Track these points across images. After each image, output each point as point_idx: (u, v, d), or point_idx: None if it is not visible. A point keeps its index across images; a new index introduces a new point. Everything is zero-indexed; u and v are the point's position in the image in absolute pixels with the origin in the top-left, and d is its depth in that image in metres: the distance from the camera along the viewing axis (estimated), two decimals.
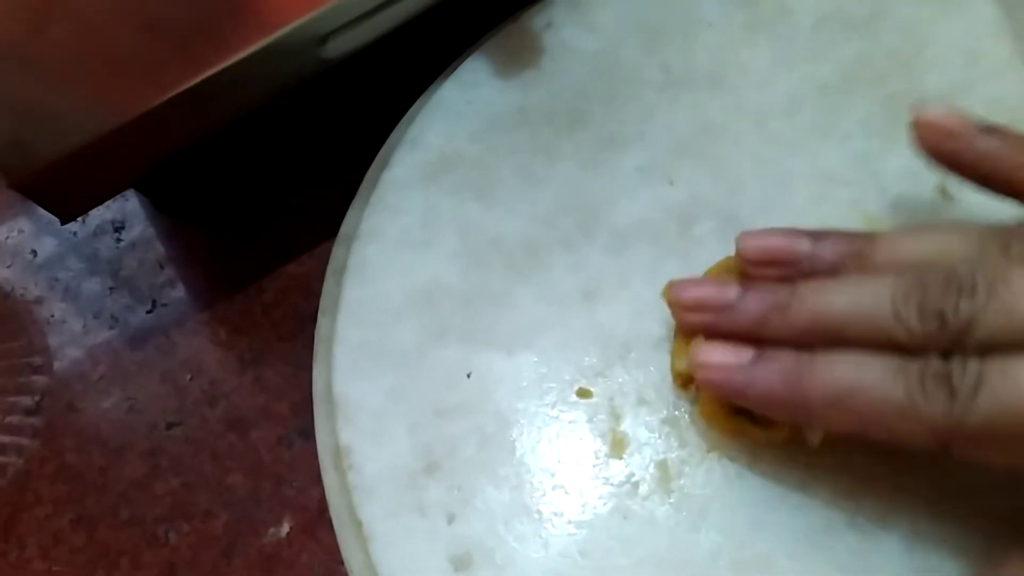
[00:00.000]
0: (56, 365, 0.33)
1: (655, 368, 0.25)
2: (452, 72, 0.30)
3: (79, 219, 0.35)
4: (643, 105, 0.28)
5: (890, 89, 0.27)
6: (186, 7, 0.25)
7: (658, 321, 0.25)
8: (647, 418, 0.24)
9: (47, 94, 0.25)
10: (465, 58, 0.30)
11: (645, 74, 0.29)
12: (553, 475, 0.24)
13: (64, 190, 0.27)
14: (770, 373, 0.21)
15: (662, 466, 0.23)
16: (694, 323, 0.23)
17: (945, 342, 0.18)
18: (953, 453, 0.18)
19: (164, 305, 0.34)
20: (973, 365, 0.18)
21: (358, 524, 0.24)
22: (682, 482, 0.23)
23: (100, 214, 0.36)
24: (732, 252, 0.25)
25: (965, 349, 0.18)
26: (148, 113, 0.26)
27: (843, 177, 0.26)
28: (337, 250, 0.28)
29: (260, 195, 0.35)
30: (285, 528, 0.30)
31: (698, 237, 0.26)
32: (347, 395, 0.25)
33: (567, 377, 0.25)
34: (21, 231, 0.36)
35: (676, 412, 0.24)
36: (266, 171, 0.35)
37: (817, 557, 0.22)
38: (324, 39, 0.27)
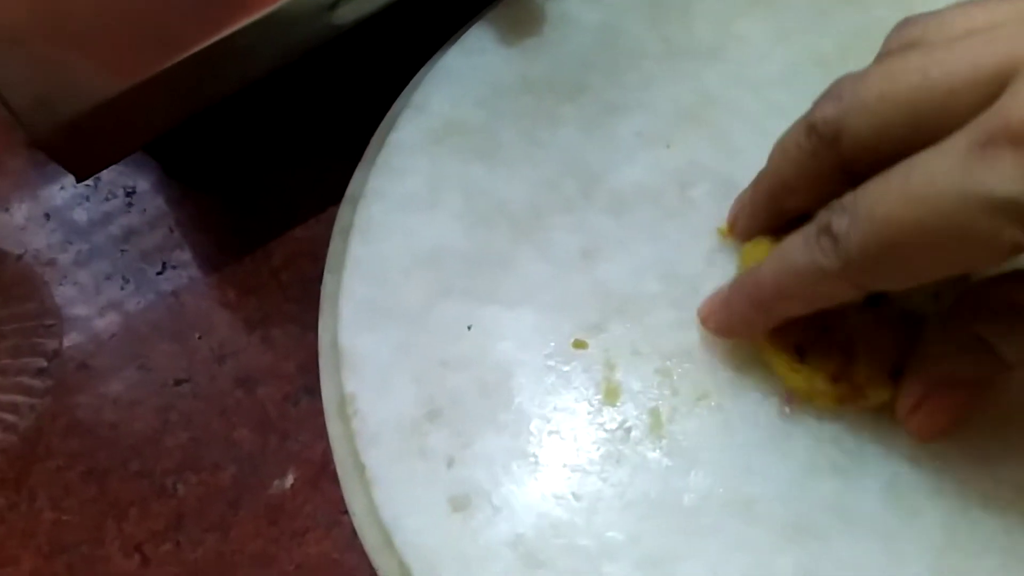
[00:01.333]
0: (68, 325, 0.34)
1: (649, 321, 0.25)
2: (457, 40, 0.30)
3: (91, 183, 0.36)
4: (643, 74, 0.29)
5: None
6: None
7: (654, 278, 0.26)
8: (640, 368, 0.25)
9: (67, 53, 0.26)
10: (470, 26, 0.31)
11: (645, 45, 0.29)
12: (549, 421, 0.25)
13: (81, 148, 0.27)
14: (741, 298, 0.23)
15: (654, 413, 0.24)
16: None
17: (829, 161, 0.20)
18: (871, 290, 0.20)
19: (174, 267, 0.35)
20: (845, 200, 0.19)
21: (361, 469, 0.25)
22: (673, 428, 0.24)
23: (112, 179, 0.37)
24: (723, 209, 0.26)
25: (845, 163, 0.20)
26: (162, 73, 0.27)
27: None
28: (343, 210, 0.29)
29: (268, 162, 0.35)
30: (290, 480, 0.30)
31: (695, 199, 0.27)
32: (352, 347, 0.26)
33: (565, 330, 0.26)
34: (34, 195, 0.37)
35: (668, 362, 0.25)
36: (274, 138, 0.36)
37: (803, 499, 0.23)
38: (334, 5, 0.28)
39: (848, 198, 0.19)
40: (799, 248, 0.20)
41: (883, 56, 0.21)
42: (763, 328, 0.23)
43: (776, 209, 0.24)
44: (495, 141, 0.29)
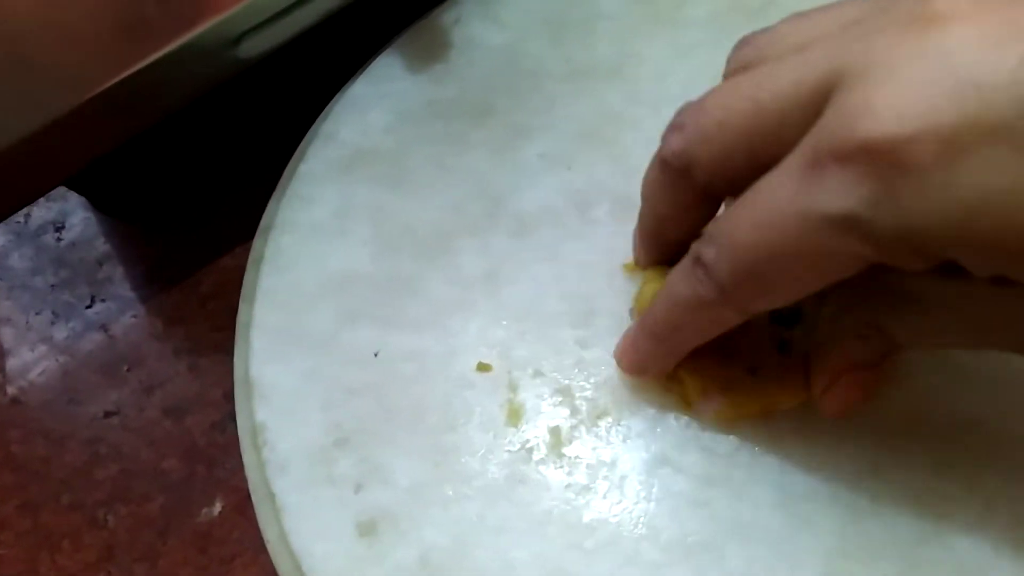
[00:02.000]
0: (1, 361, 0.34)
1: (550, 342, 0.26)
2: (366, 68, 0.31)
3: (21, 219, 0.37)
4: (546, 96, 0.30)
5: None
6: (100, 11, 0.27)
7: (555, 298, 0.27)
8: (542, 388, 0.25)
9: None
10: (379, 55, 0.31)
11: (549, 66, 0.30)
12: (455, 445, 0.25)
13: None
14: (644, 336, 0.23)
15: (554, 432, 0.25)
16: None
17: (689, 190, 0.21)
18: (752, 310, 0.20)
19: (103, 300, 0.35)
20: (710, 229, 0.20)
21: (272, 497, 0.25)
22: (573, 446, 0.24)
23: (41, 214, 0.37)
24: (628, 233, 0.26)
25: (705, 190, 0.21)
26: (71, 113, 0.27)
27: None
28: (257, 241, 0.29)
29: (195, 192, 0.36)
30: (217, 508, 0.31)
31: (596, 219, 0.28)
32: (262, 377, 0.27)
33: (469, 353, 0.26)
34: None
35: (568, 382, 0.25)
36: (201, 168, 0.36)
37: (697, 512, 0.23)
38: (238, 40, 0.28)
39: (712, 226, 0.20)
40: (680, 280, 0.21)
41: (723, 79, 0.21)
42: (671, 363, 0.24)
43: (662, 241, 0.24)
44: (403, 167, 0.29)
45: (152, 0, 0.28)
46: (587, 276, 0.27)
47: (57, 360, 0.34)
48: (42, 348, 0.34)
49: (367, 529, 0.24)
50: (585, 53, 0.30)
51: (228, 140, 0.37)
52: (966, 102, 0.15)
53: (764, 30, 0.21)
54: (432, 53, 0.31)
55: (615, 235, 0.27)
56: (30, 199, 0.30)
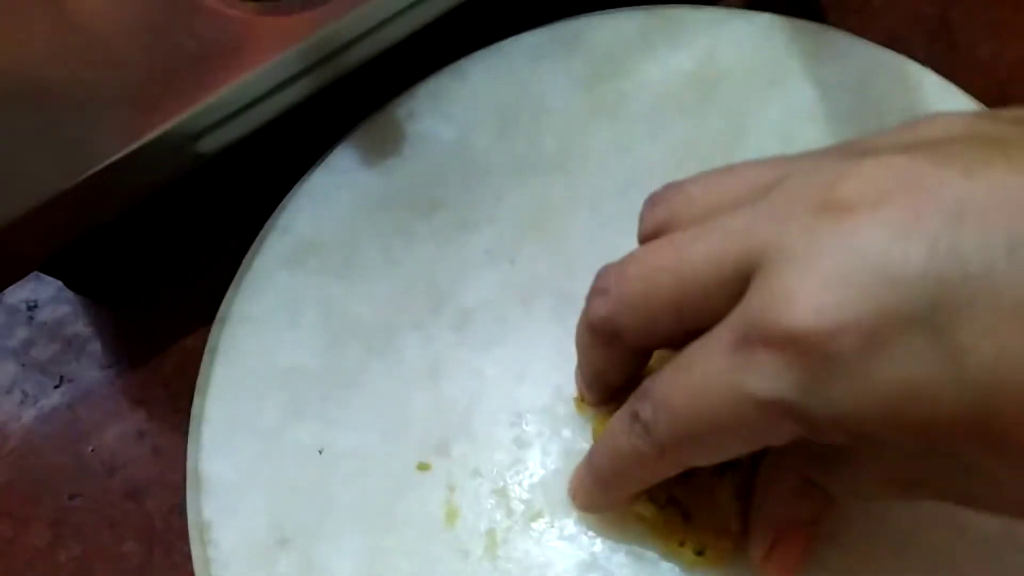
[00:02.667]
0: None
1: (488, 441, 0.27)
2: (323, 160, 0.32)
3: None
4: (493, 189, 0.30)
5: None
6: (59, 113, 0.28)
7: (495, 397, 0.27)
8: (479, 489, 0.26)
9: None
10: (336, 146, 0.32)
11: (496, 160, 0.31)
12: (395, 545, 0.26)
13: None
14: (591, 479, 0.24)
15: (490, 534, 0.25)
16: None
17: (620, 350, 0.22)
18: (693, 466, 0.21)
19: (70, 380, 0.36)
20: (646, 387, 0.20)
21: None
22: (507, 548, 0.25)
23: (15, 293, 0.38)
24: (570, 329, 0.27)
25: (636, 349, 0.21)
26: (29, 214, 0.28)
27: None
28: (213, 331, 0.30)
29: (161, 272, 0.37)
30: None
31: (537, 315, 0.28)
32: (211, 472, 0.27)
33: (410, 452, 0.27)
34: None
35: (504, 482, 0.26)
36: (167, 249, 0.37)
37: None
38: (197, 137, 0.29)
39: (648, 384, 0.20)
40: (621, 433, 0.21)
41: (639, 238, 0.22)
42: (621, 503, 0.24)
43: (603, 386, 0.24)
44: (352, 259, 0.30)
45: (114, 104, 0.29)
46: (526, 374, 0.27)
47: (25, 440, 0.35)
48: (11, 427, 0.35)
49: None
50: (530, 147, 0.31)
51: (197, 223, 0.37)
52: (882, 296, 0.16)
53: (676, 188, 0.22)
54: (385, 146, 0.31)
55: (559, 332, 0.27)
56: (10, 282, 0.31)
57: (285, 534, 0.26)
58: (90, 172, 0.29)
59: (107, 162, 0.29)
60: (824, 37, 0.32)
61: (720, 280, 0.18)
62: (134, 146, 0.29)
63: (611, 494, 0.24)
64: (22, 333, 0.37)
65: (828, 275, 0.16)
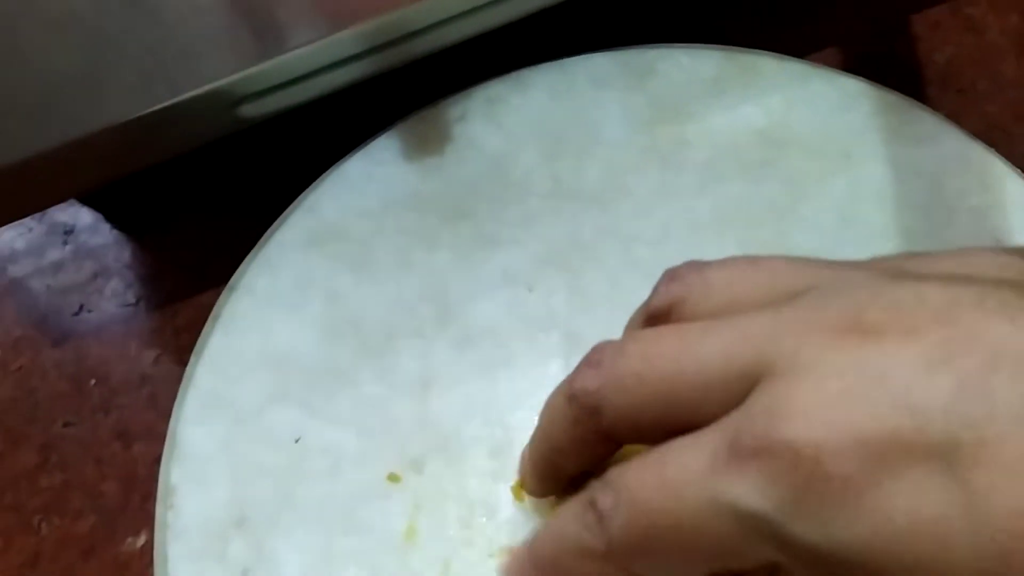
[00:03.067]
0: None
1: (464, 466, 0.26)
2: (363, 147, 0.31)
3: (36, 220, 0.38)
4: (526, 210, 0.29)
5: (760, 236, 0.28)
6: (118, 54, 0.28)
7: (480, 423, 0.26)
8: (444, 513, 0.25)
9: None
10: (379, 135, 0.31)
11: (535, 181, 0.30)
12: (348, 551, 0.25)
13: None
14: (531, 565, 0.22)
15: (446, 563, 0.25)
16: None
17: (592, 428, 0.20)
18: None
19: (89, 311, 0.36)
20: (611, 476, 0.19)
21: (164, 560, 0.26)
22: None
23: (55, 217, 0.38)
24: (570, 367, 0.26)
25: (608, 432, 0.20)
26: (61, 148, 0.28)
27: None
28: (221, 298, 0.30)
29: (194, 228, 0.37)
30: (141, 540, 0.32)
31: (541, 348, 0.27)
32: (185, 437, 0.27)
33: (383, 460, 0.26)
34: None
35: (471, 512, 0.25)
36: (204, 206, 0.37)
37: None
38: (238, 103, 0.29)
39: (614, 473, 0.19)
40: (571, 521, 0.20)
41: (646, 313, 0.21)
42: None
43: (552, 470, 0.23)
44: (369, 254, 0.29)
45: (168, 54, 0.29)
46: (517, 406, 0.26)
47: (34, 361, 0.36)
48: (23, 346, 0.36)
49: None
50: (573, 174, 0.30)
51: (236, 185, 0.37)
52: (900, 423, 0.15)
53: (696, 270, 0.20)
54: (428, 145, 0.31)
55: (558, 370, 0.27)
56: (26, 213, 0.31)
57: (244, 514, 0.26)
58: (134, 116, 0.29)
59: (150, 110, 0.29)
60: (911, 115, 0.30)
61: (723, 380, 0.17)
62: (179, 99, 0.29)
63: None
64: (54, 255, 0.38)
65: (842, 392, 0.15)
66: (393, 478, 0.26)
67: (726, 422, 0.17)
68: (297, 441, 0.27)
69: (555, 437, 0.22)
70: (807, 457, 0.15)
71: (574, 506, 0.20)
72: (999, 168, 0.29)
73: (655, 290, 0.21)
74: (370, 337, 0.28)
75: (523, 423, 0.26)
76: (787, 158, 0.29)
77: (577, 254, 0.28)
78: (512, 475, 0.26)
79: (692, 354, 0.18)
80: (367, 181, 0.31)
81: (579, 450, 0.21)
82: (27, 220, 0.38)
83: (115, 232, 0.38)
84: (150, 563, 0.31)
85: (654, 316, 0.21)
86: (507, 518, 0.25)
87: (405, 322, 0.28)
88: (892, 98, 0.30)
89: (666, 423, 0.18)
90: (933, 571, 0.15)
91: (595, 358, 0.20)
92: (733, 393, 0.17)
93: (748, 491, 0.16)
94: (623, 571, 0.19)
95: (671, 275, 0.21)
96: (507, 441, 0.26)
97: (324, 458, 0.26)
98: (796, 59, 0.31)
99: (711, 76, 0.31)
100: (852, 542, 0.15)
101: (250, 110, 0.30)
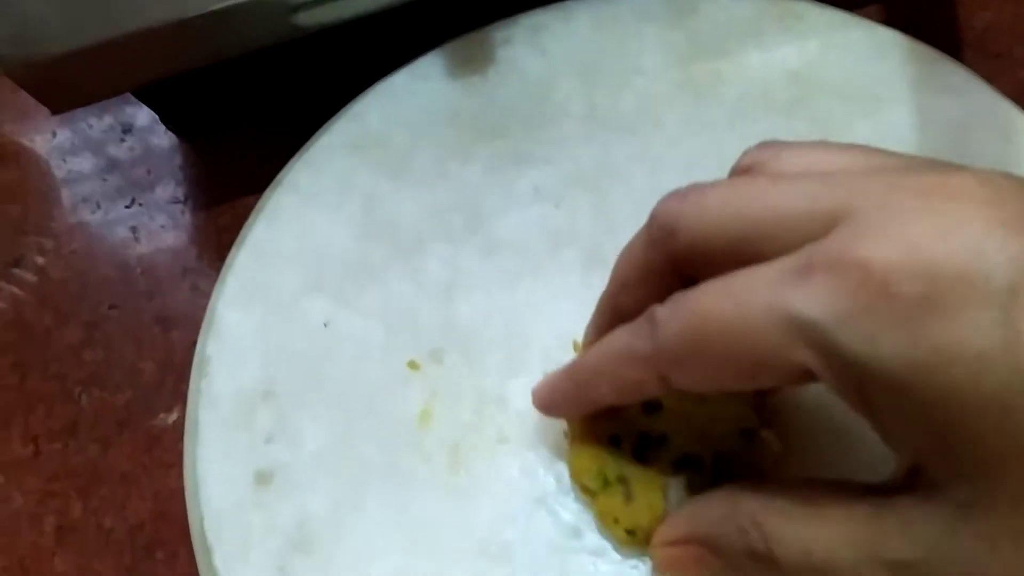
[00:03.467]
0: (40, 234, 0.38)
1: (481, 363, 0.27)
2: (411, 63, 0.33)
3: (97, 112, 0.40)
4: (560, 132, 0.31)
5: None
6: None
7: (499, 326, 0.28)
8: (459, 402, 0.27)
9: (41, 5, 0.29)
10: (427, 54, 0.33)
11: (572, 105, 0.31)
12: (365, 429, 0.27)
13: (53, 86, 0.31)
14: (564, 375, 0.24)
15: (455, 447, 0.26)
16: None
17: (663, 255, 0.21)
18: (671, 384, 0.20)
19: (140, 205, 0.38)
20: (676, 294, 0.20)
21: (196, 423, 0.28)
22: (468, 464, 0.26)
23: (114, 115, 0.40)
24: (591, 284, 0.27)
25: (677, 262, 0.21)
26: (121, 39, 0.30)
27: None
28: (266, 193, 0.32)
29: (247, 130, 0.39)
30: (173, 417, 0.34)
31: (564, 262, 0.29)
32: (223, 315, 0.29)
33: (405, 349, 0.28)
34: (48, 116, 0.41)
35: (482, 404, 0.27)
36: (257, 110, 0.39)
37: (557, 560, 0.24)
38: (296, 9, 0.31)
39: (678, 293, 0.20)
40: (622, 333, 0.21)
41: (733, 171, 0.22)
42: (578, 409, 0.24)
43: (615, 308, 0.24)
44: (408, 162, 0.31)
45: None
46: (537, 314, 0.28)
47: (87, 247, 0.38)
48: (77, 232, 0.38)
49: (263, 479, 0.26)
50: (609, 101, 0.31)
51: (289, 92, 0.39)
52: (970, 264, 0.16)
53: (781, 144, 0.22)
54: (471, 65, 0.32)
55: (578, 283, 0.28)
56: (82, 103, 0.33)
57: (272, 389, 0.28)
58: (195, 14, 0.30)
59: (211, 8, 0.30)
60: (942, 67, 0.31)
61: (808, 216, 0.18)
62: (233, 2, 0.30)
63: (578, 396, 0.24)
64: (111, 152, 0.40)
65: (922, 230, 0.16)
66: (413, 365, 0.28)
67: (803, 250, 0.18)
68: (326, 326, 0.28)
69: (625, 269, 0.23)
70: (877, 275, 0.16)
71: (628, 324, 0.21)
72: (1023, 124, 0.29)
73: (744, 153, 0.22)
74: (402, 239, 0.29)
75: (540, 329, 0.28)
76: (817, 99, 0.30)
77: (605, 177, 0.30)
78: (525, 373, 0.27)
79: (781, 192, 0.19)
80: (411, 95, 0.32)
81: (645, 280, 0.22)
82: (89, 117, 0.41)
83: (170, 134, 0.40)
84: (180, 438, 0.33)
85: (737, 173, 0.22)
86: (518, 411, 0.26)
87: (436, 228, 0.30)
88: (925, 50, 0.31)
89: (740, 254, 0.19)
90: (960, 395, 0.16)
91: (682, 191, 0.21)
92: (813, 230, 0.18)
93: (809, 301, 0.17)
94: (659, 379, 0.20)
95: (764, 145, 0.22)
96: (523, 345, 0.27)
97: (350, 344, 0.28)
98: (836, 8, 0.32)
99: (752, 17, 0.31)
100: (896, 360, 0.16)
101: (305, 19, 0.31)
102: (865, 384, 0.17)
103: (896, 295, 0.16)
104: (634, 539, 0.23)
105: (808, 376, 0.18)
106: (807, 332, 0.17)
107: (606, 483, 0.24)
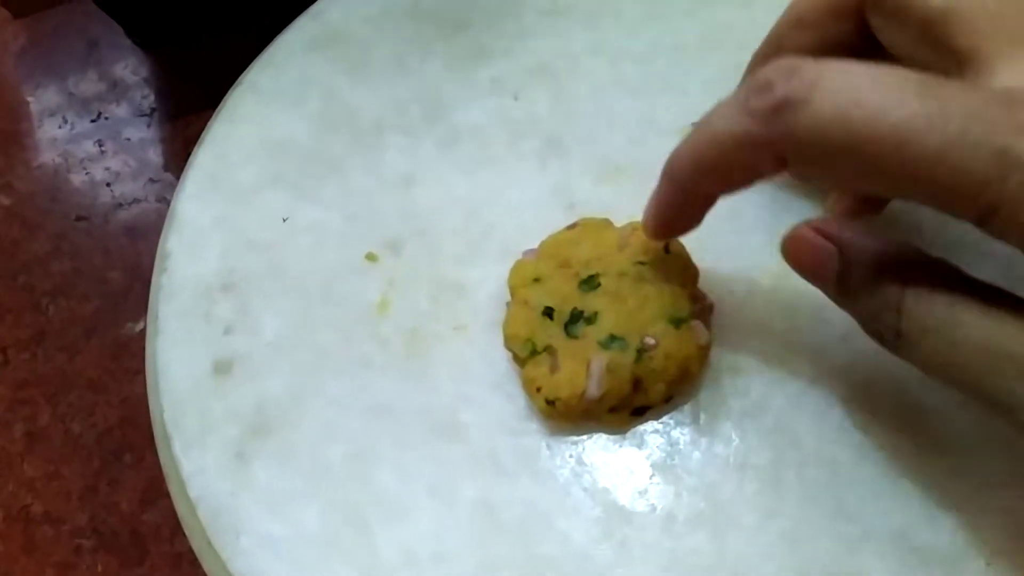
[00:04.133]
0: (5, 149, 0.38)
1: (439, 252, 0.27)
2: None
3: (60, 29, 0.40)
4: (521, 25, 0.30)
5: (742, 59, 0.28)
6: None
7: (459, 214, 0.28)
8: (417, 290, 0.27)
9: None
10: None
11: None
12: (324, 317, 0.27)
13: None
14: (664, 184, 0.22)
15: (413, 332, 0.26)
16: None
17: (771, 133, 0.18)
18: (790, 166, 0.18)
19: (106, 119, 0.38)
20: (802, 66, 0.17)
21: (156, 318, 0.28)
22: (425, 349, 0.26)
23: (80, 32, 0.40)
24: (548, 175, 0.27)
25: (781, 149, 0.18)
26: None
27: (667, 128, 0.28)
28: (228, 94, 0.31)
29: (212, 40, 0.38)
30: (140, 325, 0.34)
31: (522, 152, 0.28)
32: (183, 211, 0.29)
33: (364, 240, 0.28)
34: (20, 26, 0.40)
35: (442, 291, 0.27)
36: (223, 20, 0.39)
37: (509, 435, 0.24)
38: None
39: (808, 65, 0.17)
40: (725, 116, 0.18)
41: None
42: (693, 221, 0.22)
43: (689, 197, 0.22)
44: (368, 58, 0.30)
45: None
46: (493, 201, 0.28)
47: (54, 161, 0.38)
48: (45, 147, 0.38)
49: (222, 368, 0.26)
50: None
51: (256, 4, 0.38)
52: None
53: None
54: None
55: (538, 173, 0.28)
56: (46, 6, 0.33)
57: (231, 280, 0.27)
58: None
59: None
60: None
61: None
62: None
63: (686, 201, 0.21)
64: (77, 67, 0.40)
65: None
66: (371, 257, 0.27)
67: (989, 83, 0.18)
68: (285, 220, 0.28)
69: (722, 139, 0.19)
70: None
71: (727, 105, 0.18)
72: None
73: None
74: (361, 132, 0.29)
75: (498, 217, 0.28)
76: None
77: (565, 69, 0.29)
78: (481, 262, 0.27)
79: None
80: None
81: (742, 159, 0.19)
82: (51, 30, 0.40)
83: (135, 50, 0.40)
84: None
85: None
86: (473, 298, 0.26)
87: (395, 121, 0.29)
88: None
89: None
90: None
91: (800, 69, 0.17)
92: None
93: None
94: (775, 161, 0.18)
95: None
96: (482, 232, 0.27)
97: (309, 235, 0.28)
98: None
99: None
100: None
101: None
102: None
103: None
104: (553, 410, 0.23)
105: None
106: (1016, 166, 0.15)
107: (534, 351, 0.24)
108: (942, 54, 0.19)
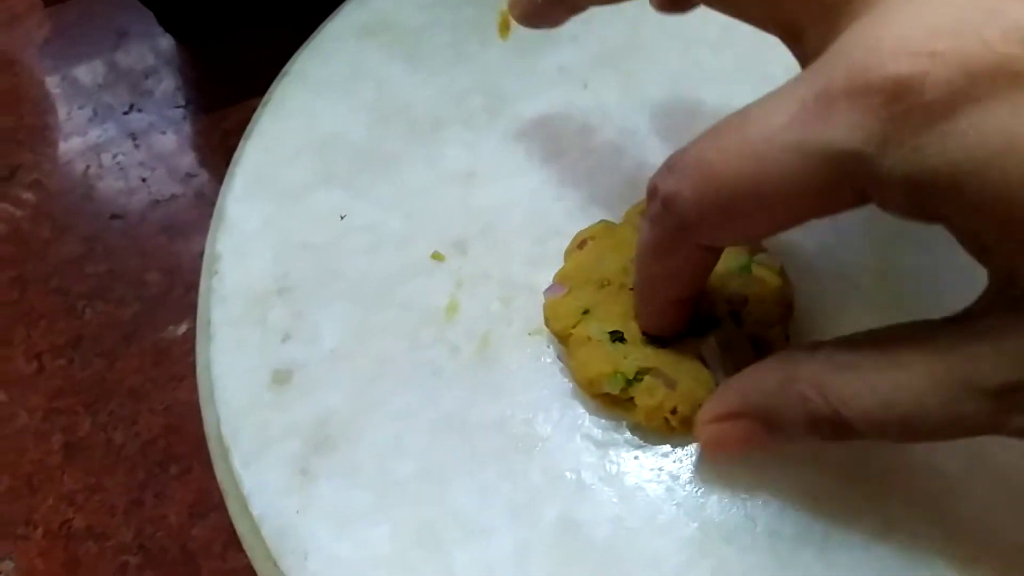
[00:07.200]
0: (34, 143, 0.36)
1: (507, 251, 0.26)
2: None
3: (88, 19, 0.38)
4: (588, 9, 0.28)
5: None
6: None
7: (523, 212, 0.26)
8: (486, 292, 0.25)
9: None
10: None
11: None
12: (387, 322, 0.25)
13: None
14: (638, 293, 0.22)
15: (485, 337, 0.25)
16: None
17: (672, 233, 0.19)
18: (719, 245, 0.19)
19: (139, 111, 0.36)
20: (670, 159, 0.18)
21: (208, 323, 0.26)
22: (499, 355, 0.24)
23: (111, 21, 0.38)
24: (621, 168, 0.25)
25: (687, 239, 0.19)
26: None
27: None
28: (273, 86, 0.30)
29: (248, 34, 0.37)
30: (183, 328, 0.32)
31: (595, 143, 0.27)
32: (232, 211, 0.27)
33: (427, 240, 0.26)
34: (46, 15, 0.39)
35: (512, 293, 0.25)
36: (260, 13, 0.37)
37: (582, 448, 0.23)
38: None
39: (673, 156, 0.18)
40: (642, 227, 0.20)
41: None
42: (680, 322, 0.22)
43: (656, 299, 0.22)
44: (423, 46, 0.29)
45: None
46: (564, 198, 0.26)
47: (85, 156, 0.36)
48: (75, 140, 0.36)
49: (281, 378, 0.25)
50: None
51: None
52: (1010, 52, 0.14)
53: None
54: None
55: (609, 167, 0.26)
56: None
57: (286, 284, 0.26)
58: None
59: None
60: None
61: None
62: None
63: (654, 310, 0.22)
64: (107, 57, 0.38)
65: (934, 22, 0.15)
66: (437, 256, 0.26)
67: (811, 71, 0.16)
68: (343, 218, 0.27)
69: (644, 256, 0.20)
70: (909, 88, 0.15)
71: (643, 222, 0.19)
72: None
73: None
74: (419, 126, 0.28)
75: (567, 215, 0.26)
76: None
77: (634, 56, 0.28)
78: (555, 261, 0.25)
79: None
80: None
81: (674, 263, 0.20)
82: (76, 19, 0.38)
83: (168, 37, 0.38)
84: (190, 350, 0.32)
85: None
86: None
87: (455, 113, 0.28)
88: None
89: None
90: (1015, 186, 0.14)
91: (668, 162, 0.18)
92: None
93: (840, 131, 0.15)
94: (704, 249, 0.19)
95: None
96: (550, 231, 0.26)
97: (368, 235, 0.26)
98: None
99: None
100: (944, 166, 0.15)
101: None
102: (927, 198, 0.15)
103: (933, 102, 0.14)
104: (682, 423, 0.22)
105: (860, 200, 0.16)
106: (851, 163, 0.15)
107: (628, 381, 0.22)
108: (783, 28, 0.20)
